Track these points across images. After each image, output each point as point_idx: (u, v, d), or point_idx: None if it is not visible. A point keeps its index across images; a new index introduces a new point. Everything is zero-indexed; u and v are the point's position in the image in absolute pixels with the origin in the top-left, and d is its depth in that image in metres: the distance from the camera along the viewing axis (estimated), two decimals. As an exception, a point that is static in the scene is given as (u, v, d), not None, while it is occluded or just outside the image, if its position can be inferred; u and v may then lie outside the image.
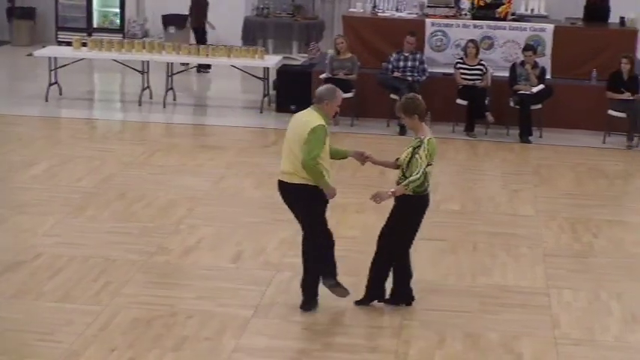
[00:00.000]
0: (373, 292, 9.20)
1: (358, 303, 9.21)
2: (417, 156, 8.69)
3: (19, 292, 9.26)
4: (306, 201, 9.00)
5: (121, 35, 22.30)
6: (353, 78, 16.57)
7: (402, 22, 17.69)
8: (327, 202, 9.12)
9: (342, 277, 9.75)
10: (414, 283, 9.30)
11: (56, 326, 8.54)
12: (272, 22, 22.51)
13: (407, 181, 8.68)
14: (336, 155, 9.34)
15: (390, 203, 8.98)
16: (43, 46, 19.94)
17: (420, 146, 8.72)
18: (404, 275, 9.18)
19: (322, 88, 9.17)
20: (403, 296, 9.22)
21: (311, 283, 9.17)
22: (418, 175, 8.65)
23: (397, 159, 9.12)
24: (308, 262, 9.14)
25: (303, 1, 23.16)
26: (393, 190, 8.76)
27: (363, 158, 9.30)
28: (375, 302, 9.22)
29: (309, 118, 8.89)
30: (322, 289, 9.14)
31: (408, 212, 8.90)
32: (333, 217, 11.50)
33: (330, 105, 9.00)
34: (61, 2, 23.06)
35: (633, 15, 17.91)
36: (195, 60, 17.75)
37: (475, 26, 17.29)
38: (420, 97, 9.00)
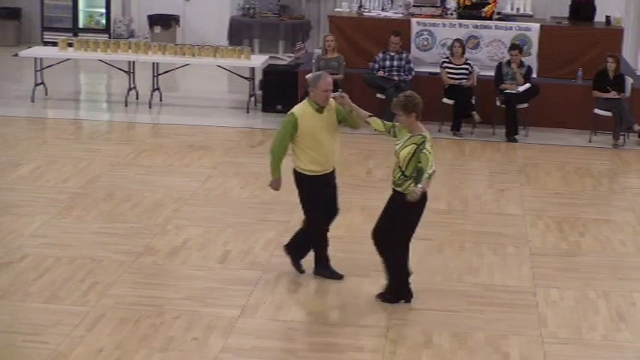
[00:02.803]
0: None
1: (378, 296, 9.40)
2: (424, 151, 8.78)
3: (5, 293, 9.23)
4: (301, 189, 9.48)
5: (106, 35, 22.25)
6: (339, 78, 16.55)
7: (387, 21, 17.68)
8: (322, 194, 9.42)
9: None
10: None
11: (43, 327, 8.52)
12: (258, 22, 22.47)
13: (426, 175, 8.71)
14: (354, 125, 9.61)
15: (375, 204, 8.97)
16: (29, 47, 19.87)
17: (423, 142, 8.82)
18: (402, 273, 9.23)
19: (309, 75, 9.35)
20: (402, 293, 9.29)
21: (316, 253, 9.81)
22: (434, 169, 8.75)
23: (370, 115, 9.27)
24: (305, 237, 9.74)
25: (289, 1, 23.14)
26: (421, 185, 8.71)
27: (340, 99, 9.34)
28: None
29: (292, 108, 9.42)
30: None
31: (410, 210, 8.94)
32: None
33: (315, 92, 9.22)
34: (46, 2, 22.97)
35: (619, 14, 17.97)
36: (180, 60, 17.69)
37: (461, 25, 17.29)
38: (416, 94, 9.04)
